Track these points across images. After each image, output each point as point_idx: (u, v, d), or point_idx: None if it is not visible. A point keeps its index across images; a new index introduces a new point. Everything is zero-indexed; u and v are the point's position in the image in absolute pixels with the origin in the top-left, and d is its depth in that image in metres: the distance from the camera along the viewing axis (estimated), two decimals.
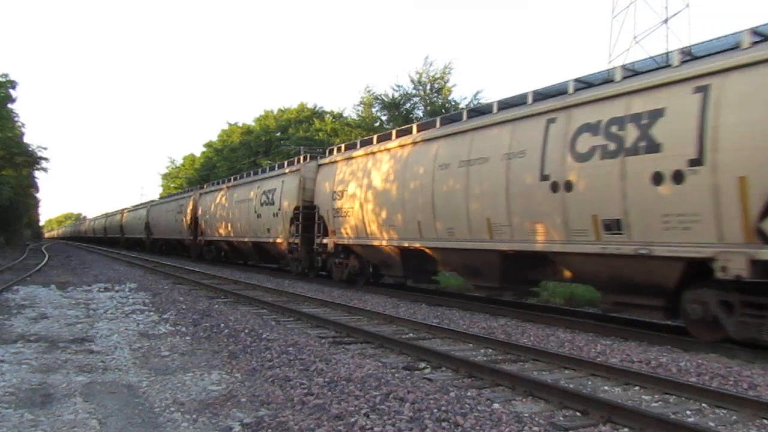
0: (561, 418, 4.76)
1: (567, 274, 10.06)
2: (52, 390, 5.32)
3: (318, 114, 45.51)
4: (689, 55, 8.19)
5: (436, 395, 5.11)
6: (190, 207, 29.89)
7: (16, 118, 38.82)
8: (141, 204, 47.61)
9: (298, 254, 18.26)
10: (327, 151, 18.21)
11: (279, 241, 19.52)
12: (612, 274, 8.86)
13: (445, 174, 11.63)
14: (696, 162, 7.41)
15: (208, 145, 58.98)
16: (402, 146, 13.50)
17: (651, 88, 8.14)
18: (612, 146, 8.48)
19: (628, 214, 8.25)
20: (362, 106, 31.40)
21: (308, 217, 17.48)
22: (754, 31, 7.41)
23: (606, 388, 5.85)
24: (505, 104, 10.99)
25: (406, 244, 13.10)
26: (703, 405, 5.21)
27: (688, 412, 5.03)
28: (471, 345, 7.93)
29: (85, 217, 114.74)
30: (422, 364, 6.67)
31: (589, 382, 6.05)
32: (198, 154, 62.66)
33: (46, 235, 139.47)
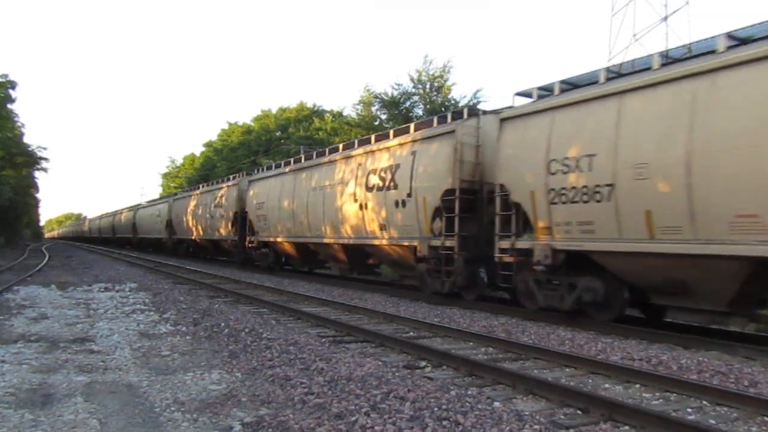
0: (562, 417, 4.76)
1: None
2: (53, 390, 5.32)
3: (318, 113, 45.51)
4: None
5: (437, 394, 5.11)
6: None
7: (15, 119, 38.83)
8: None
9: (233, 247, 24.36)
10: (256, 169, 24.75)
11: (223, 233, 25.49)
12: None
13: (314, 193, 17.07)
14: None
15: (208, 144, 59.00)
16: (293, 171, 19.04)
17: None
18: None
19: None
20: (361, 105, 31.42)
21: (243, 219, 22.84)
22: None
23: (607, 386, 5.85)
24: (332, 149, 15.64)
25: (300, 240, 18.34)
26: (704, 403, 5.21)
27: (688, 410, 5.03)
28: (471, 344, 7.93)
29: (85, 217, 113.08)
30: (423, 363, 6.66)
31: (590, 380, 6.05)
32: (198, 153, 62.73)
33: (47, 235, 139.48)
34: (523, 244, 10.10)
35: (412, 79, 28.82)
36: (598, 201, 8.70)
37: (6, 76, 33.83)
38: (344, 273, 17.49)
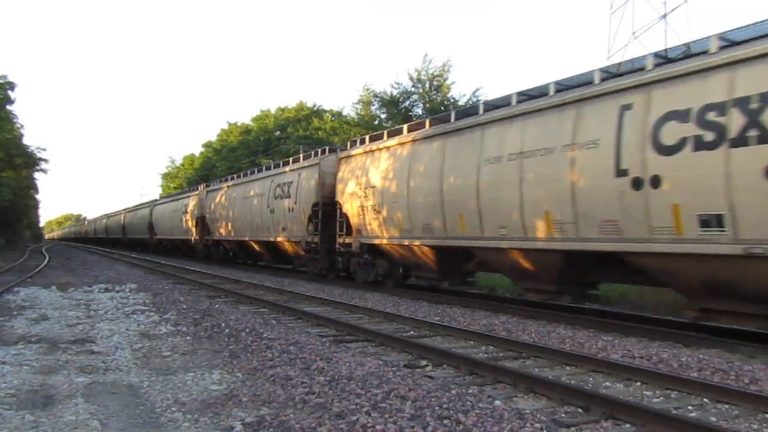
0: (563, 415, 4.76)
1: None
2: (54, 391, 5.32)
3: (317, 112, 45.50)
4: None
5: (438, 393, 5.11)
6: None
7: (15, 120, 38.82)
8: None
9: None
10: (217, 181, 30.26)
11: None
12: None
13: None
14: None
15: (207, 145, 58.98)
16: (234, 186, 24.77)
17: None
18: None
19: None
20: (361, 104, 31.42)
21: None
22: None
23: (607, 384, 5.85)
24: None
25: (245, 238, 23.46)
26: (705, 400, 5.21)
27: (689, 408, 5.03)
28: (472, 342, 7.93)
29: (85, 218, 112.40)
30: (423, 362, 6.66)
31: (591, 379, 6.06)
32: (197, 154, 62.72)
33: (47, 236, 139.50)
34: (347, 239, 15.79)
35: (411, 78, 28.83)
36: (379, 212, 14.17)
37: (5, 77, 33.89)
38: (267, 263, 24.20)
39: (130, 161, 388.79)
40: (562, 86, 10.11)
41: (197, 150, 63.92)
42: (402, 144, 13.71)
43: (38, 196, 65.81)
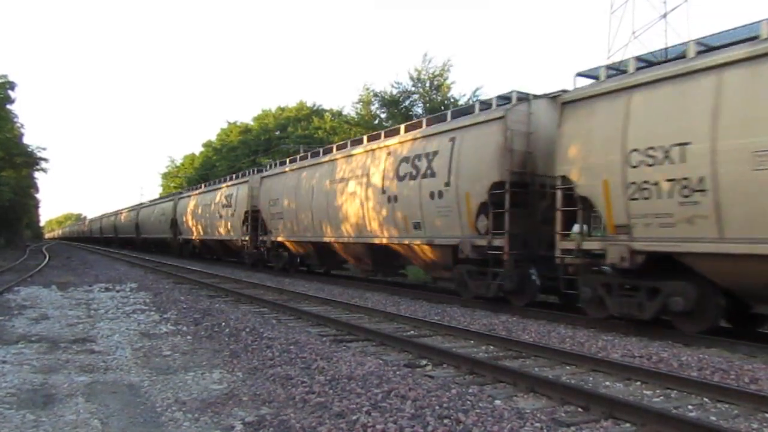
0: (563, 414, 4.76)
1: None
2: (54, 390, 5.32)
3: (317, 112, 45.51)
4: None
5: (438, 392, 5.11)
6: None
7: (15, 119, 38.84)
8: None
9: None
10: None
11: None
12: None
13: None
14: None
15: (207, 144, 59.00)
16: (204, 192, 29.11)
17: None
18: None
19: None
20: (361, 104, 31.41)
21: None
22: None
23: (607, 383, 5.86)
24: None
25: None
26: (705, 400, 5.22)
27: (689, 407, 5.03)
28: (472, 342, 7.94)
29: (85, 217, 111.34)
30: (423, 362, 6.67)
31: (591, 378, 6.06)
32: (198, 153, 62.72)
33: (47, 235, 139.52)
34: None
35: (411, 78, 28.83)
36: (281, 219, 19.22)
37: (5, 76, 33.89)
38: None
39: (130, 161, 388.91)
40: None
41: (197, 149, 64.02)
42: (293, 170, 19.32)
43: (38, 196, 65.98)
